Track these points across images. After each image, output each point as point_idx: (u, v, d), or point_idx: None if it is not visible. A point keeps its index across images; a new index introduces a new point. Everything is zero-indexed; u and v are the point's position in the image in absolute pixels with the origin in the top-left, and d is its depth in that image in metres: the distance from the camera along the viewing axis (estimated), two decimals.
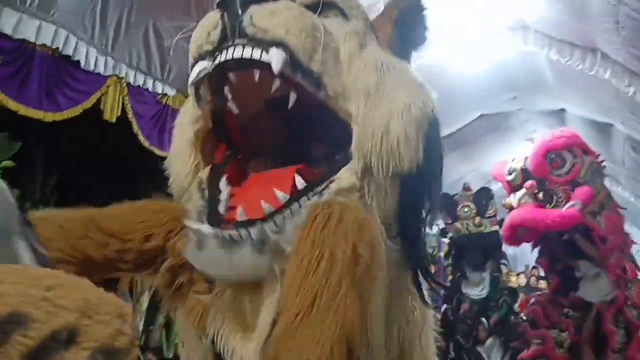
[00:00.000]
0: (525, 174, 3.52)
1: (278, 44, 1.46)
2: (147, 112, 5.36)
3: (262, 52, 1.47)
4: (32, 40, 4.28)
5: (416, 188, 1.61)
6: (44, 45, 4.36)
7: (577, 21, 6.36)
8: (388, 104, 1.53)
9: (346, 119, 1.57)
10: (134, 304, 6.86)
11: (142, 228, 1.66)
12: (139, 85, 5.21)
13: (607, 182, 12.26)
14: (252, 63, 1.49)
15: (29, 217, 1.41)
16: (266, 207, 1.47)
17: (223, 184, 1.61)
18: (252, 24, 1.46)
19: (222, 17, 1.48)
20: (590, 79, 6.91)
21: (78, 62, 4.62)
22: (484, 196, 5.76)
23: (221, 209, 1.54)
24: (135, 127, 5.23)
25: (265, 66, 1.48)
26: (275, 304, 1.46)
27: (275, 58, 1.46)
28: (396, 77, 1.60)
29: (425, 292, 1.73)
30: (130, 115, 5.16)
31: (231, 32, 1.47)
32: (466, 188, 6.02)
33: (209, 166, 1.67)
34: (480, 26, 6.93)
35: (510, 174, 3.54)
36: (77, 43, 4.57)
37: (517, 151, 4.14)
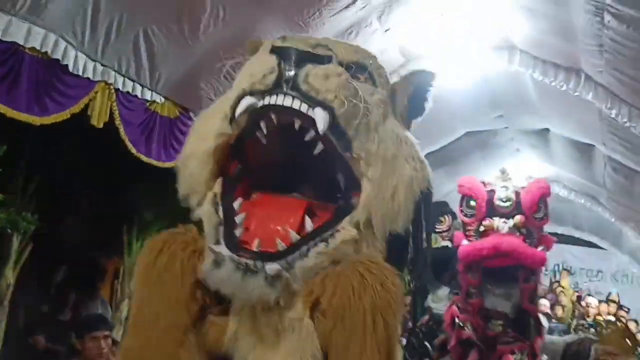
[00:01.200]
0: (517, 206, 3.77)
1: (325, 106, 1.66)
2: (135, 119, 5.35)
3: (308, 107, 1.66)
4: (22, 43, 4.28)
5: (401, 242, 1.88)
6: (33, 48, 4.37)
7: (562, 42, 6.48)
8: (397, 176, 1.78)
9: (358, 176, 1.77)
10: (113, 311, 6.81)
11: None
12: (127, 92, 5.21)
13: (587, 203, 12.33)
14: (296, 113, 1.67)
15: None
16: (280, 245, 1.64)
17: (237, 204, 1.74)
18: (307, 82, 1.65)
19: (279, 65, 1.65)
20: (574, 100, 7.03)
21: (67, 66, 4.62)
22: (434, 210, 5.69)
23: (238, 232, 1.68)
24: (122, 134, 5.22)
25: (307, 118, 1.67)
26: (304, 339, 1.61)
27: (320, 118, 1.65)
28: (407, 152, 1.85)
29: None
30: (117, 121, 5.16)
31: (285, 82, 1.65)
32: None
33: (221, 179, 1.80)
34: (467, 44, 7.02)
35: (505, 201, 3.77)
36: (66, 47, 4.57)
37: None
